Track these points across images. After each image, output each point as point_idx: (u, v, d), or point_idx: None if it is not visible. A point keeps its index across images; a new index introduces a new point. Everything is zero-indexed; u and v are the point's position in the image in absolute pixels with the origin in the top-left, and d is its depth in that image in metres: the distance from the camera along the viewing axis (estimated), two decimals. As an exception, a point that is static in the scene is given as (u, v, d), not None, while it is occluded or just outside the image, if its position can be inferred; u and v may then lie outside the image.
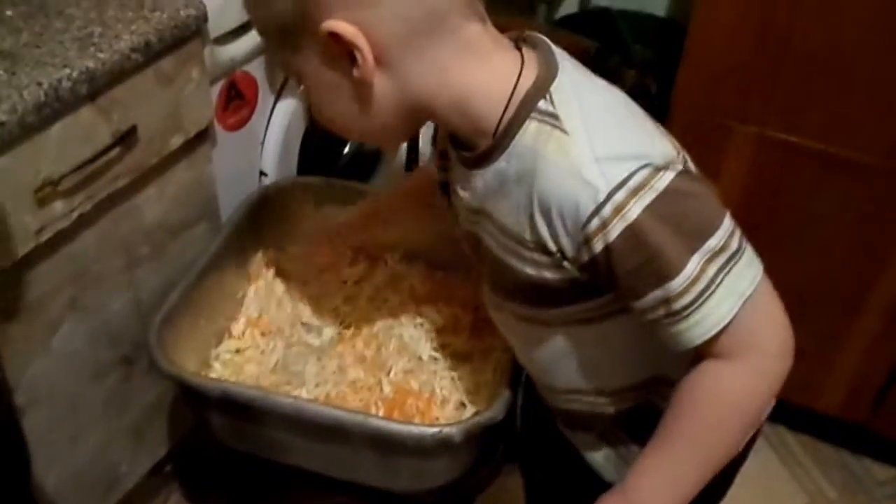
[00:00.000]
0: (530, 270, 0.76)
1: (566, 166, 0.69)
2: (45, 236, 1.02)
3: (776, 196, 1.44)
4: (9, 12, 1.07)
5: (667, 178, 0.69)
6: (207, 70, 1.19)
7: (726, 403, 0.73)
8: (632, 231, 0.68)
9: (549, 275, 0.75)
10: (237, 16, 1.21)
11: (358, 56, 0.71)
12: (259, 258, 1.27)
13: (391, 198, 1.20)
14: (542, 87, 0.72)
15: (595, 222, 0.68)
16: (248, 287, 1.25)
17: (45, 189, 0.99)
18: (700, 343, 0.71)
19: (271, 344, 1.18)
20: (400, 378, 1.13)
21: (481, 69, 0.74)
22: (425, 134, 1.69)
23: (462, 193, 0.82)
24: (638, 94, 1.43)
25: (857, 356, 1.51)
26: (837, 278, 1.46)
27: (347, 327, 1.21)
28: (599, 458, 0.91)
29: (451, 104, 0.75)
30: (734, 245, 0.70)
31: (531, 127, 0.72)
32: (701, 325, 0.70)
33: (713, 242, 0.69)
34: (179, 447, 1.41)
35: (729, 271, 0.69)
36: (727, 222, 0.71)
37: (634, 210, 0.67)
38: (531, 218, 0.73)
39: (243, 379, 1.13)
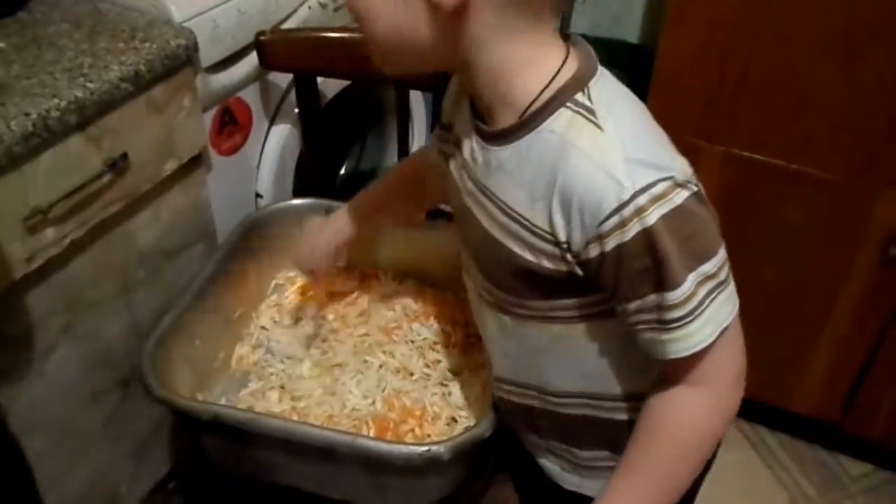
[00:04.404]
0: (529, 256, 0.69)
1: (597, 160, 0.63)
2: (35, 264, 0.93)
3: (745, 210, 1.40)
4: (1, 44, 0.99)
5: (683, 194, 0.63)
6: (200, 98, 1.10)
7: (690, 432, 0.71)
8: (647, 235, 0.62)
9: (547, 263, 0.69)
10: (229, 45, 1.12)
11: None
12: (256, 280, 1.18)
13: (374, 191, 1.07)
14: (581, 80, 0.66)
15: (614, 219, 0.62)
16: (244, 308, 1.15)
17: (35, 217, 0.91)
18: (676, 358, 0.67)
19: (271, 372, 1.09)
20: (391, 395, 1.04)
21: (535, 47, 0.66)
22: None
23: (472, 167, 0.74)
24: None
25: (826, 360, 1.47)
26: (806, 286, 1.42)
27: (340, 344, 1.11)
28: (548, 463, 0.88)
29: (493, 68, 0.66)
30: (723, 275, 0.66)
31: (565, 115, 0.65)
32: (684, 341, 0.66)
33: (708, 267, 0.65)
34: (182, 465, 1.30)
35: (714, 298, 0.66)
36: (722, 251, 0.66)
37: (653, 216, 0.62)
38: (548, 205, 0.66)
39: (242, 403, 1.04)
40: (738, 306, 0.69)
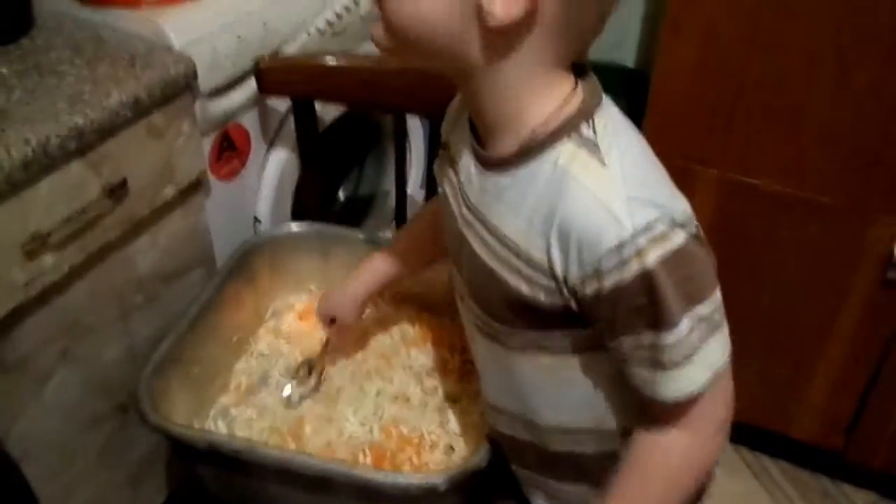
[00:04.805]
0: (524, 288, 0.68)
1: (599, 196, 0.62)
2: (34, 290, 0.93)
3: (740, 234, 1.41)
4: (3, 70, 1.00)
5: (683, 235, 0.63)
6: (199, 123, 1.11)
7: (675, 472, 0.71)
8: (645, 275, 0.62)
9: (542, 296, 0.68)
10: (228, 71, 1.13)
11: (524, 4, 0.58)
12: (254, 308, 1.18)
13: (398, 242, 1.07)
14: (587, 111, 0.65)
15: (613, 258, 0.62)
16: (242, 333, 1.15)
17: (34, 243, 0.91)
18: (666, 399, 0.67)
19: (268, 399, 1.09)
20: (389, 422, 1.04)
21: (550, 76, 0.65)
22: (414, 179, 1.61)
23: (467, 191, 0.73)
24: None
25: (826, 385, 1.46)
26: (803, 311, 1.42)
27: (337, 370, 1.11)
28: (537, 499, 0.88)
29: (505, 90, 0.65)
30: (718, 318, 0.66)
31: (568, 147, 0.64)
32: (676, 383, 0.66)
33: (704, 309, 0.64)
34: (179, 492, 1.29)
35: (707, 341, 0.65)
36: (718, 294, 0.66)
37: (652, 257, 0.61)
38: (545, 237, 0.65)
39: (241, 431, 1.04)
40: (729, 350, 0.68)
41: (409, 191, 1.55)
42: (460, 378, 1.09)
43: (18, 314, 0.93)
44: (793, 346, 1.44)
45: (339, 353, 1.12)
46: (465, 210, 0.74)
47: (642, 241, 0.61)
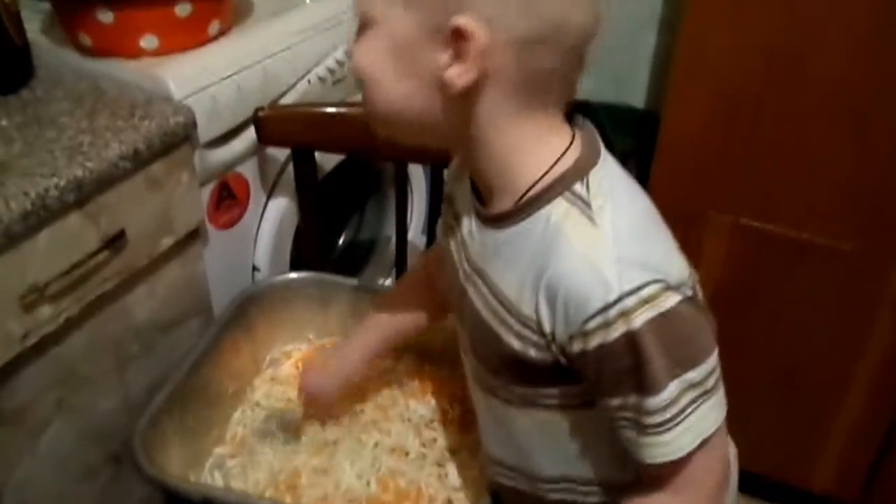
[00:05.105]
0: (516, 343, 0.70)
1: (587, 256, 0.64)
2: (30, 341, 0.96)
3: (755, 280, 1.42)
4: (3, 122, 1.03)
5: (674, 299, 0.63)
6: (198, 173, 1.14)
7: None
8: (630, 337, 0.62)
9: (533, 352, 0.70)
10: (228, 121, 1.16)
11: (465, 63, 0.62)
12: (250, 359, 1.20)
13: (399, 293, 1.10)
14: (582, 169, 0.67)
15: (598, 319, 0.63)
16: (238, 384, 1.17)
17: (32, 295, 0.93)
18: (652, 463, 0.68)
19: (265, 450, 1.09)
20: (386, 475, 1.04)
21: (539, 132, 0.67)
22: (415, 225, 1.63)
23: (469, 246, 0.76)
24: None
25: (844, 435, 1.46)
26: (820, 358, 1.42)
27: (336, 422, 1.12)
28: None
29: (496, 150, 0.68)
30: (710, 383, 0.66)
31: (561, 205, 0.66)
32: (660, 448, 0.66)
33: (694, 375, 0.64)
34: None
35: (698, 406, 0.65)
36: (713, 359, 0.66)
37: (639, 320, 0.62)
38: (535, 294, 0.67)
39: (237, 482, 1.04)
40: (724, 415, 0.68)
41: (410, 237, 1.57)
42: (460, 430, 1.10)
43: (15, 365, 0.95)
44: (809, 396, 1.43)
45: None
46: (466, 265, 0.76)
47: (629, 302, 0.62)
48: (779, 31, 1.21)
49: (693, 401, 0.65)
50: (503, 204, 0.70)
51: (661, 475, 0.68)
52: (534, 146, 0.67)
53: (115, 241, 1.02)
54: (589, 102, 1.97)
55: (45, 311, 0.96)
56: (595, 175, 0.67)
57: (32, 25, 1.21)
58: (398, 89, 0.66)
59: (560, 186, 0.66)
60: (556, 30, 0.62)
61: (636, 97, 2.01)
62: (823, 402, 1.43)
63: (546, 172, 0.67)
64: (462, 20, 0.60)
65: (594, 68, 2.12)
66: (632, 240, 0.65)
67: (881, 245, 1.27)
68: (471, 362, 0.81)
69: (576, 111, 1.98)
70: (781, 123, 1.26)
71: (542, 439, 0.78)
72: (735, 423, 0.72)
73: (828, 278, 1.34)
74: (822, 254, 1.31)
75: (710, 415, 0.66)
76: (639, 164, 1.74)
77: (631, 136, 1.85)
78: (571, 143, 0.68)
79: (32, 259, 0.92)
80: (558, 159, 0.67)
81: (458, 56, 0.62)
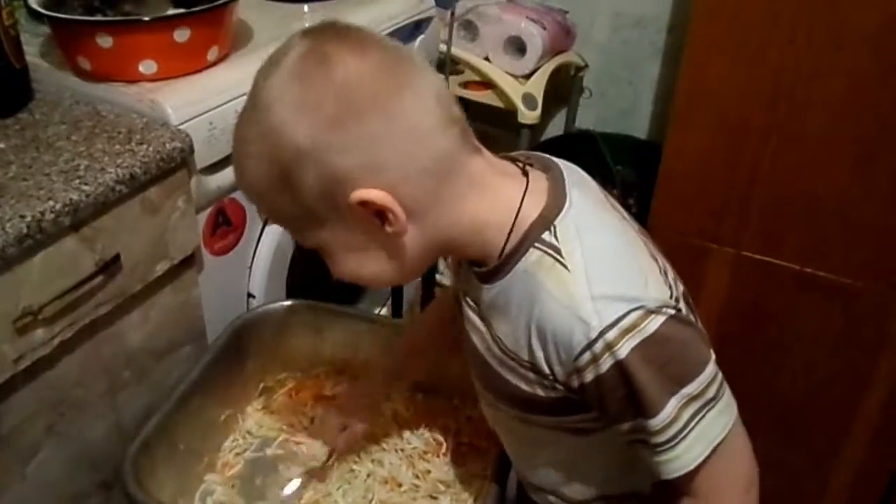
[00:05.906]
0: (525, 387, 0.77)
1: (564, 301, 0.70)
2: (23, 364, 0.98)
3: (757, 312, 1.44)
4: (1, 144, 1.07)
5: (657, 321, 0.69)
6: (194, 199, 1.17)
7: None
8: (619, 367, 0.68)
9: (541, 392, 0.76)
10: (225, 147, 1.19)
11: (391, 216, 0.70)
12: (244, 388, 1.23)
13: (418, 331, 1.17)
14: (547, 218, 0.73)
15: (586, 356, 0.69)
16: (230, 411, 1.20)
17: (25, 318, 0.96)
18: (672, 478, 0.73)
19: (256, 479, 1.13)
20: (380, 507, 1.07)
21: (487, 199, 0.74)
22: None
23: (471, 303, 0.82)
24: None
25: (851, 472, 1.48)
26: (825, 391, 1.44)
27: (328, 453, 1.15)
28: None
29: (465, 234, 0.75)
30: (711, 392, 0.71)
31: (534, 256, 0.72)
32: (673, 463, 0.71)
33: (691, 388, 0.69)
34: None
35: (703, 417, 0.70)
36: (709, 369, 0.71)
37: (624, 349, 0.68)
38: (528, 341, 0.74)
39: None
40: (734, 416, 0.73)
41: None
42: (454, 462, 1.13)
43: (7, 388, 0.98)
44: (814, 432, 1.46)
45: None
46: (473, 316, 0.83)
47: (611, 335, 0.67)
48: (780, 63, 1.25)
49: (696, 413, 0.70)
50: (489, 263, 0.77)
51: (686, 486, 0.73)
52: (490, 212, 0.74)
53: (110, 266, 1.05)
54: (591, 132, 2.02)
55: (39, 334, 0.98)
56: (561, 222, 0.73)
57: (32, 48, 1.25)
58: (382, 267, 0.76)
59: (530, 239, 0.73)
60: (409, 135, 0.69)
61: (639, 128, 2.06)
62: (831, 435, 1.45)
63: (511, 230, 0.73)
64: (357, 196, 0.68)
65: (597, 99, 2.20)
66: (603, 276, 0.70)
67: (886, 278, 1.30)
68: (490, 399, 0.88)
69: (578, 140, 2.05)
70: (783, 155, 1.30)
71: (568, 461, 0.85)
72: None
73: (832, 312, 1.36)
74: (827, 288, 1.34)
75: (718, 422, 0.71)
76: (640, 195, 1.79)
77: (633, 167, 1.91)
78: (526, 189, 0.74)
79: (27, 282, 0.95)
80: (517, 215, 0.73)
81: (380, 215, 0.70)
